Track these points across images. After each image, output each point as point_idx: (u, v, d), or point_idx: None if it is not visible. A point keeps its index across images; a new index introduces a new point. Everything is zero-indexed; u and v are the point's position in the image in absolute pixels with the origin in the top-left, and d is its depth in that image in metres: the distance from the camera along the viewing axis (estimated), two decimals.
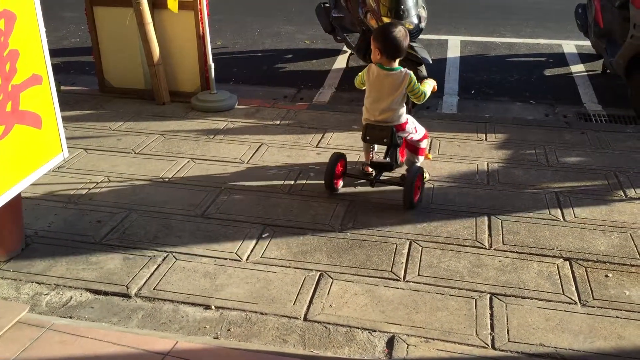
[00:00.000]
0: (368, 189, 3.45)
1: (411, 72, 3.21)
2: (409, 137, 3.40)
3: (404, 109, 3.29)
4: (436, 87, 3.44)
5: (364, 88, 3.35)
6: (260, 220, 3.14)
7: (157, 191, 3.43)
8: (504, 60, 6.13)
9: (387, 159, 3.39)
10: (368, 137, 3.33)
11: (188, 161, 3.80)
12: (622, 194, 3.38)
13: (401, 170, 3.54)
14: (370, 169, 3.50)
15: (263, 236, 3.00)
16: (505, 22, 7.32)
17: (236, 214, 3.21)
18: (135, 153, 3.91)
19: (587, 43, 5.94)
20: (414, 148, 3.49)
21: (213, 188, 3.46)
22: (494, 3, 8.23)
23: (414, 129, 3.38)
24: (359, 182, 3.51)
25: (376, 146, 3.52)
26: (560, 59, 6.10)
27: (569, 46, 6.41)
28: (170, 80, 4.77)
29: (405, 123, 3.31)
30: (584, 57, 6.07)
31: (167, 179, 3.57)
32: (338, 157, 3.38)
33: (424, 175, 3.46)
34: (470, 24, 7.27)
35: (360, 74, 3.36)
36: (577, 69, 5.82)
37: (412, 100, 3.40)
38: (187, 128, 4.30)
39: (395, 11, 4.54)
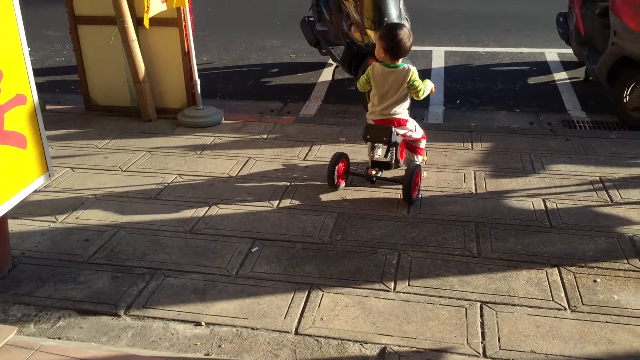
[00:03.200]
0: (357, 198, 3.46)
1: (414, 68, 3.42)
2: (408, 134, 3.56)
3: (408, 103, 3.51)
4: (434, 90, 3.66)
5: (368, 90, 3.59)
6: (249, 234, 3.14)
7: (144, 208, 3.42)
8: (488, 70, 6.19)
9: (387, 157, 3.56)
10: (368, 136, 3.49)
11: (175, 177, 3.79)
12: (608, 199, 3.42)
13: (399, 172, 3.66)
14: (373, 172, 3.61)
15: (252, 250, 2.99)
16: (488, 32, 7.40)
17: (225, 229, 3.20)
18: (122, 170, 3.89)
19: (569, 51, 6.02)
20: (412, 147, 3.68)
21: (201, 203, 3.45)
22: (476, 13, 8.32)
23: (414, 127, 3.59)
24: (347, 195, 3.52)
25: (380, 151, 3.63)
26: (543, 67, 6.17)
27: (552, 54, 6.49)
28: (156, 97, 4.77)
29: (407, 120, 3.52)
30: (566, 65, 6.14)
31: (154, 196, 3.55)
32: (340, 156, 3.56)
33: (422, 173, 3.62)
34: (454, 35, 7.34)
35: (362, 76, 3.55)
36: (560, 76, 5.89)
37: (411, 96, 3.54)
38: (174, 144, 4.29)
39: (378, 23, 4.57)
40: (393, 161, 3.60)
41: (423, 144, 3.70)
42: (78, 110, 5.01)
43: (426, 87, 3.47)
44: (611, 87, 4.74)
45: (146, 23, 4.20)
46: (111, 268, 2.86)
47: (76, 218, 3.31)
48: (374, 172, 3.62)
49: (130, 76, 4.66)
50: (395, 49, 3.34)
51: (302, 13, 6.38)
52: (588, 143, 4.17)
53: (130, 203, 3.47)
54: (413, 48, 6.65)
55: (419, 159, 3.68)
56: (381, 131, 3.44)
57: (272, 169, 3.88)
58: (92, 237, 3.12)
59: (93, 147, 4.26)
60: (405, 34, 3.35)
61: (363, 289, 2.69)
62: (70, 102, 5.34)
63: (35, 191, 3.23)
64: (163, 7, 4.27)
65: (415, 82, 3.39)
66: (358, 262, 2.88)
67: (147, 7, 4.12)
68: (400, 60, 3.43)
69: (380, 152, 3.63)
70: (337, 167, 3.51)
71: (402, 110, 3.49)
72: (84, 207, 3.43)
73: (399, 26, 3.41)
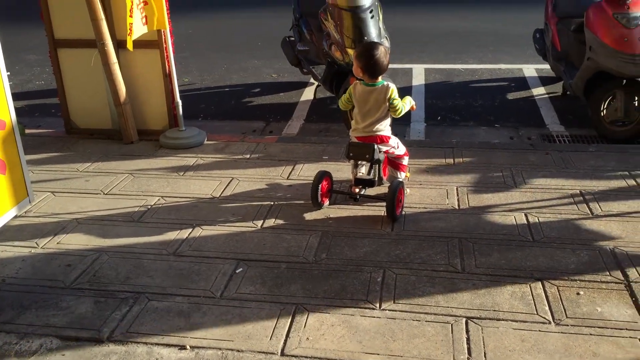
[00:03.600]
0: (341, 216, 3.46)
1: (393, 85, 3.45)
2: (390, 151, 3.58)
3: (390, 120, 3.54)
4: (415, 107, 3.68)
5: (350, 109, 3.62)
6: (234, 255, 3.12)
7: (127, 231, 3.39)
8: (467, 86, 6.27)
9: (370, 175, 3.58)
10: (351, 154, 3.51)
11: (158, 199, 3.77)
12: (589, 212, 3.46)
13: (383, 189, 3.67)
14: (356, 190, 3.63)
15: (237, 271, 2.98)
16: (467, 49, 7.50)
17: (209, 250, 3.18)
18: (104, 194, 3.87)
19: (547, 66, 6.12)
20: (395, 164, 3.69)
21: (184, 225, 3.43)
22: (454, 31, 8.44)
23: (397, 144, 3.62)
24: (331, 213, 3.52)
25: (363, 168, 3.64)
26: (522, 82, 6.26)
27: (529, 70, 6.59)
28: (137, 119, 4.76)
29: (390, 137, 3.55)
30: (544, 80, 6.24)
31: (137, 219, 3.53)
32: (323, 175, 3.57)
33: (405, 190, 3.64)
34: (433, 52, 7.43)
35: (343, 95, 3.58)
36: (539, 91, 5.98)
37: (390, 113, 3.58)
38: (156, 166, 4.27)
39: (358, 42, 4.62)
40: (376, 178, 3.62)
41: (406, 161, 3.73)
42: (59, 133, 4.97)
43: (405, 105, 3.51)
44: (588, 101, 4.82)
45: (130, 46, 4.20)
46: (94, 293, 2.82)
47: (57, 243, 3.28)
48: (357, 190, 3.63)
49: (111, 98, 4.65)
50: (372, 67, 3.38)
51: (283, 33, 6.43)
52: (567, 157, 4.23)
53: (112, 226, 3.44)
54: (394, 66, 6.77)
55: (401, 176, 3.70)
56: (364, 149, 3.46)
57: (255, 189, 3.88)
58: (74, 262, 3.08)
59: (74, 170, 4.23)
60: (382, 52, 3.39)
61: (349, 307, 2.68)
62: (51, 125, 5.30)
63: (16, 216, 3.20)
64: (145, 29, 4.28)
65: (394, 101, 3.42)
66: (343, 281, 2.88)
67: (130, 30, 4.12)
68: (380, 77, 3.46)
69: (363, 170, 3.64)
70: (320, 186, 3.52)
71: (384, 127, 3.52)
72: (65, 231, 3.39)
73: (375, 45, 3.46)
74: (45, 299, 2.79)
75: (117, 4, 4.52)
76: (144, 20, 4.21)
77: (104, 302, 2.75)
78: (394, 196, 3.37)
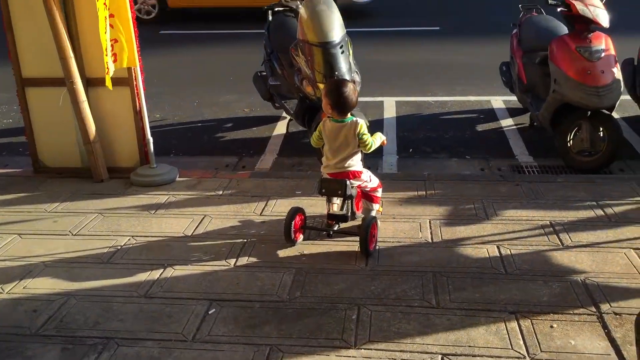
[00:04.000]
0: (315, 252, 3.44)
1: (362, 121, 3.47)
2: (363, 185, 3.58)
3: (360, 155, 3.55)
4: (385, 142, 3.70)
5: (322, 145, 3.61)
6: (206, 295, 3.07)
7: (96, 273, 3.31)
8: (438, 118, 6.35)
9: (343, 210, 3.58)
10: (323, 190, 3.50)
11: (129, 239, 3.70)
12: (559, 243, 3.50)
13: (357, 222, 3.66)
14: (331, 223, 3.65)
15: (209, 312, 2.92)
16: (436, 82, 7.63)
17: (181, 291, 3.12)
18: (72, 234, 3.79)
19: (514, 98, 6.24)
20: (369, 197, 3.69)
21: (156, 265, 3.37)
22: (423, 63, 8.58)
23: (369, 177, 3.63)
24: (305, 249, 3.50)
25: (335, 206, 3.61)
26: (490, 114, 6.37)
27: (497, 102, 6.72)
28: (108, 157, 4.70)
29: (362, 172, 3.55)
30: (512, 111, 6.36)
31: (107, 260, 3.45)
32: (296, 211, 3.54)
33: (378, 223, 3.64)
34: (403, 85, 7.54)
35: (314, 133, 3.62)
36: (507, 123, 6.08)
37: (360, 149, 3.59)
38: (126, 205, 4.21)
39: (329, 77, 4.66)
40: (349, 214, 3.62)
41: (379, 193, 3.74)
42: (26, 173, 4.88)
43: (375, 141, 3.53)
44: (555, 132, 4.92)
45: (109, 84, 4.21)
46: (61, 340, 2.74)
47: (24, 287, 3.19)
48: (332, 223, 3.64)
49: (80, 136, 4.59)
50: (341, 104, 3.40)
51: (255, 68, 6.46)
52: (537, 187, 4.29)
53: (81, 269, 3.36)
54: (365, 99, 6.85)
55: (375, 208, 3.71)
56: (336, 184, 3.46)
57: (228, 226, 3.84)
58: (41, 307, 3.00)
59: (42, 211, 4.14)
60: (351, 88, 3.42)
61: (324, 347, 2.65)
62: (18, 164, 5.20)
63: None
64: (114, 67, 4.25)
65: (363, 136, 3.43)
66: (318, 319, 2.84)
67: (107, 68, 4.11)
68: (349, 114, 3.49)
69: (336, 205, 3.64)
70: (293, 223, 3.50)
71: (355, 163, 3.53)
72: (32, 275, 3.31)
73: (343, 82, 3.49)
74: (10, 347, 2.70)
75: (86, 42, 4.51)
76: (113, 58, 4.20)
77: (72, 350, 2.67)
78: (367, 232, 3.36)
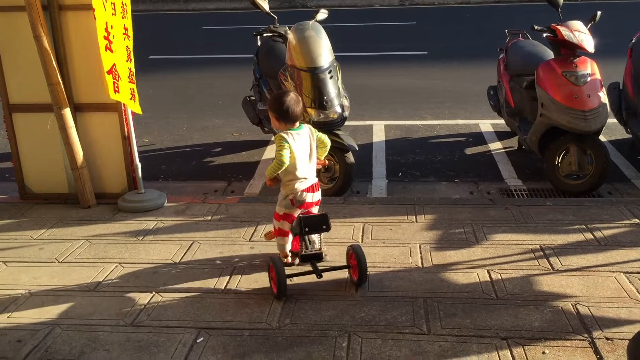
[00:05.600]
0: (303, 279, 3.39)
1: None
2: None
3: None
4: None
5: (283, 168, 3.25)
6: (194, 323, 3.02)
7: (82, 302, 3.26)
8: (426, 142, 6.38)
9: (317, 246, 3.44)
10: (307, 229, 3.27)
11: (116, 266, 3.65)
12: (549, 267, 3.49)
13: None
14: (296, 260, 3.53)
15: (198, 341, 2.88)
16: (425, 105, 7.68)
17: (168, 319, 3.07)
18: (58, 262, 3.73)
19: (502, 121, 6.29)
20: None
21: (143, 293, 3.33)
22: (411, 87, 8.65)
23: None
24: (293, 276, 3.46)
25: (316, 238, 3.45)
26: (479, 137, 6.41)
27: (485, 125, 6.77)
28: (95, 182, 4.66)
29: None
30: (500, 135, 6.40)
31: (93, 288, 3.40)
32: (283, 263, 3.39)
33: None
34: (392, 109, 7.58)
35: (283, 153, 3.20)
36: (495, 146, 6.12)
37: (321, 152, 3.49)
38: (114, 231, 4.17)
39: (318, 102, 4.69)
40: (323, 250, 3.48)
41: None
42: (12, 199, 4.83)
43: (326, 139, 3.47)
44: (543, 155, 4.94)
45: (138, 110, 4.47)
46: None
47: (8, 317, 3.12)
48: (296, 261, 3.53)
49: (67, 162, 4.56)
50: (286, 113, 3.29)
51: (244, 93, 6.48)
52: (526, 211, 4.29)
53: (67, 297, 3.31)
54: (354, 123, 6.86)
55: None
56: (318, 219, 3.30)
57: (217, 252, 3.80)
58: (25, 337, 2.93)
59: (28, 238, 4.09)
60: (293, 99, 3.32)
61: None
62: (4, 190, 5.15)
63: None
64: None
65: (320, 136, 3.42)
66: (308, 347, 2.80)
67: (133, 94, 4.34)
68: (297, 123, 3.36)
69: (317, 242, 3.45)
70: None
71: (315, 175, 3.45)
72: (16, 304, 3.24)
73: (284, 93, 3.39)
74: None
75: (75, 68, 4.50)
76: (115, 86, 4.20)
77: None
78: (366, 261, 3.27)
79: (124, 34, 4.24)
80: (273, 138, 6.20)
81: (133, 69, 4.38)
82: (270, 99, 3.47)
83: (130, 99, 4.34)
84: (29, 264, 3.71)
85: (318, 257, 3.44)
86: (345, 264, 3.44)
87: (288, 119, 3.32)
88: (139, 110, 4.48)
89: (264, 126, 5.99)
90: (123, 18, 4.23)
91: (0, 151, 6.37)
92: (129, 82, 4.31)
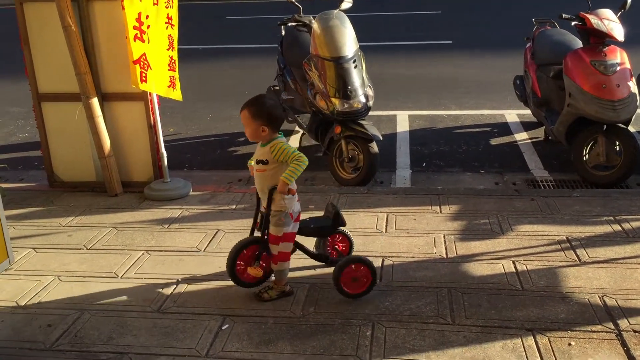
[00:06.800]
0: (326, 272, 3.40)
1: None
2: None
3: None
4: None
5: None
6: (220, 311, 3.06)
7: (110, 288, 3.31)
8: (451, 132, 6.33)
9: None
10: (342, 222, 3.21)
11: (142, 253, 3.71)
12: (576, 259, 3.45)
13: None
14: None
15: (223, 328, 2.91)
16: (449, 95, 7.61)
17: (194, 306, 3.11)
18: (87, 249, 3.80)
19: (528, 112, 6.21)
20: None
21: (169, 280, 3.37)
22: (436, 77, 8.58)
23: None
24: (317, 264, 3.47)
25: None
26: (504, 128, 6.34)
27: (511, 115, 6.69)
28: (122, 171, 4.73)
29: None
30: (526, 125, 6.32)
31: (121, 274, 3.46)
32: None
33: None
34: (416, 99, 7.53)
35: (298, 155, 3.04)
36: (521, 137, 6.05)
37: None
38: (140, 219, 4.23)
39: (342, 92, 4.68)
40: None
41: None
42: (42, 187, 4.92)
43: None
44: (570, 146, 4.88)
45: (179, 97, 4.61)
46: (75, 355, 2.74)
47: (38, 302, 3.19)
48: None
49: (95, 151, 4.63)
50: (280, 122, 3.09)
51: (268, 82, 6.50)
52: (553, 202, 4.24)
53: (95, 283, 3.37)
54: (378, 113, 6.83)
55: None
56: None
57: None
58: (55, 322, 3.00)
59: (57, 225, 4.16)
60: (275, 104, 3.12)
61: None
62: (34, 178, 5.25)
63: None
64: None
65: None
66: (331, 336, 2.82)
67: (172, 83, 4.49)
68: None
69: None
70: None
71: None
72: (46, 289, 3.31)
73: (271, 100, 3.14)
74: None
75: (102, 58, 4.55)
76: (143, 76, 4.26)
77: None
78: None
79: (167, 22, 4.37)
80: (297, 128, 6.23)
81: (175, 57, 4.53)
82: (260, 107, 3.04)
83: (169, 86, 4.46)
84: (58, 250, 3.79)
85: (325, 258, 3.32)
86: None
87: (279, 126, 3.08)
88: (179, 97, 4.61)
89: (288, 116, 6.00)
90: (167, 7, 4.36)
91: (30, 140, 6.49)
92: (169, 70, 4.45)
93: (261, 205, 3.13)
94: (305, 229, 3.19)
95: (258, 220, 3.17)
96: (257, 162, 3.06)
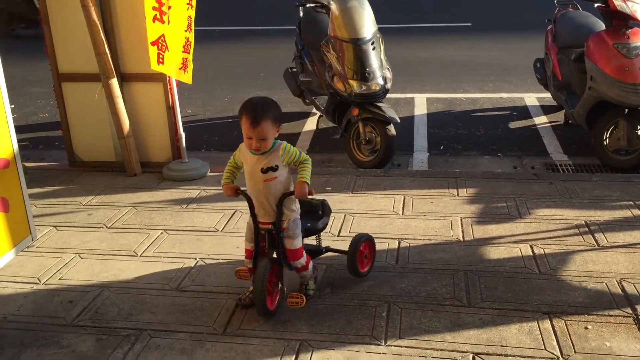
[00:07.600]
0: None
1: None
2: None
3: None
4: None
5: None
6: (237, 290, 3.09)
7: (129, 266, 3.37)
8: (469, 115, 6.29)
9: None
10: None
11: (161, 233, 3.75)
12: (595, 243, 3.43)
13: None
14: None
15: (240, 307, 2.94)
16: (468, 78, 7.54)
17: (212, 285, 3.15)
18: (106, 227, 3.85)
19: (548, 95, 6.14)
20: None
21: (188, 259, 3.41)
22: (454, 60, 8.50)
23: None
24: (333, 245, 3.48)
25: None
26: (523, 111, 6.28)
27: (531, 99, 6.62)
28: (141, 151, 4.77)
29: None
30: (545, 109, 6.25)
31: (140, 253, 3.50)
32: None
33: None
34: (434, 82, 7.47)
35: (307, 157, 2.84)
36: (540, 120, 5.99)
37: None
38: (159, 199, 4.27)
39: (360, 74, 4.66)
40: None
41: None
42: (62, 166, 4.98)
43: None
44: (591, 130, 4.82)
45: (189, 80, 4.58)
46: (95, 330, 2.79)
47: (59, 279, 3.25)
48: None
49: (114, 131, 4.67)
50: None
51: (286, 64, 6.48)
52: (571, 186, 4.21)
53: (114, 261, 3.42)
54: (396, 95, 6.79)
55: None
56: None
57: None
58: (76, 298, 3.06)
59: (77, 204, 4.22)
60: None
61: (353, 343, 2.64)
62: (54, 158, 5.32)
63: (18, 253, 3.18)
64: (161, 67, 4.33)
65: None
66: (348, 316, 2.84)
67: (184, 65, 4.44)
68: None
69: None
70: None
71: None
72: (67, 266, 3.37)
73: (271, 101, 2.82)
74: (47, 337, 2.76)
75: (121, 38, 4.58)
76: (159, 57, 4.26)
77: (106, 340, 2.72)
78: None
79: (188, 3, 4.36)
80: (314, 110, 6.21)
81: (192, 39, 4.51)
82: (277, 107, 2.81)
83: (180, 68, 4.42)
84: (79, 228, 3.84)
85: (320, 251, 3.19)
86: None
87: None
88: (189, 80, 4.58)
89: (305, 97, 6.00)
90: None
91: (50, 120, 6.56)
92: (183, 51, 4.40)
93: (259, 219, 2.85)
94: (307, 231, 2.95)
95: (264, 241, 2.86)
96: (265, 170, 2.77)
